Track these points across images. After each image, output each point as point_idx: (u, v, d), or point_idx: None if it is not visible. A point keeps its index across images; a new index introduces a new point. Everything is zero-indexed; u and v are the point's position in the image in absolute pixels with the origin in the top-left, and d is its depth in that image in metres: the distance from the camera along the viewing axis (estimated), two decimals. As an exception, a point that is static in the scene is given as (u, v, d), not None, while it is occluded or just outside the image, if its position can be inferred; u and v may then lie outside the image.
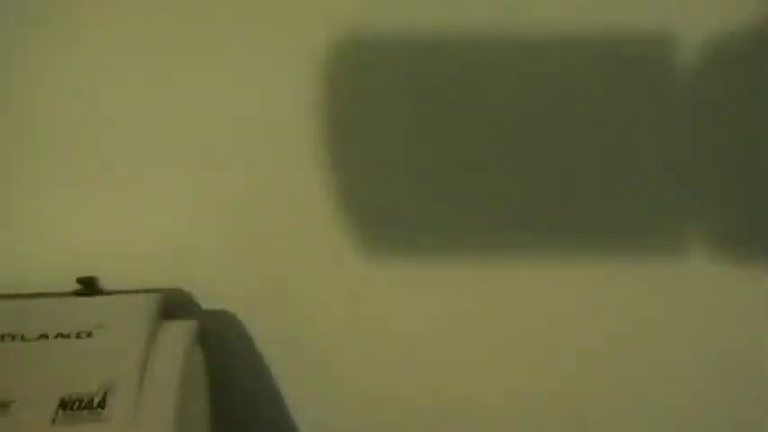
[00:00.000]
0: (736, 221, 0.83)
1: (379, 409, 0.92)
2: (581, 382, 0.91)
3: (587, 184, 0.81)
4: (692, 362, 0.89)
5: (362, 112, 0.77)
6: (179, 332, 0.76)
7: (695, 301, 0.86)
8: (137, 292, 0.81)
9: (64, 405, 0.66)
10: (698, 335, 0.88)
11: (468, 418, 0.93)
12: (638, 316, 0.87)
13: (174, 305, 0.81)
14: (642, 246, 0.83)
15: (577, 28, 0.73)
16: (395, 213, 0.82)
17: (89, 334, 0.74)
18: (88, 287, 0.81)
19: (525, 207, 0.82)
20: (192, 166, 0.78)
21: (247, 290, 0.84)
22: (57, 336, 0.73)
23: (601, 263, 0.83)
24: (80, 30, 0.72)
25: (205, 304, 0.85)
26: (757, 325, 0.87)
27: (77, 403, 0.66)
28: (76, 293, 0.81)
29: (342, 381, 0.90)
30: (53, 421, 0.65)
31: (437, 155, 0.79)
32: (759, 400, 0.91)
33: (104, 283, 0.82)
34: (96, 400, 0.67)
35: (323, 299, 0.86)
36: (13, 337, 0.73)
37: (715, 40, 0.73)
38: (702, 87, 0.75)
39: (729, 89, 0.76)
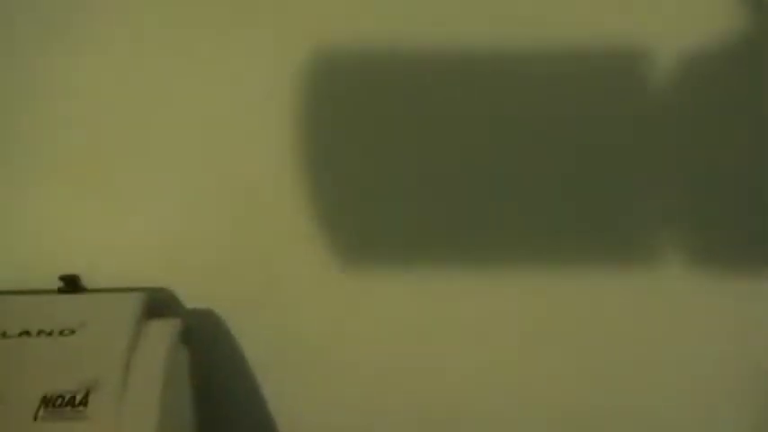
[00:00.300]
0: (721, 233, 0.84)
1: (364, 409, 0.92)
2: (576, 389, 0.91)
3: (577, 194, 0.81)
4: (689, 364, 0.90)
5: (353, 116, 0.77)
6: (162, 331, 0.76)
7: (679, 309, 0.87)
8: (120, 290, 0.81)
9: (46, 402, 0.66)
10: (693, 340, 0.88)
11: (452, 422, 0.93)
12: (628, 322, 0.88)
13: (158, 304, 0.80)
14: (624, 256, 0.84)
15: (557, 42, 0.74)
16: (379, 219, 0.82)
17: (72, 332, 0.73)
18: (71, 285, 0.81)
19: (509, 220, 0.82)
20: (180, 169, 0.78)
21: (232, 289, 0.84)
22: (39, 333, 0.73)
23: (587, 273, 0.84)
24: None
25: (189, 304, 0.84)
26: (746, 327, 0.88)
27: (60, 400, 0.66)
28: (59, 291, 0.80)
29: (327, 380, 0.90)
30: (35, 418, 0.65)
31: (415, 169, 0.80)
32: (745, 402, 0.92)
33: (88, 281, 0.82)
34: (79, 398, 0.67)
35: (308, 299, 0.86)
36: (-5, 334, 0.73)
37: (691, 54, 0.73)
38: (681, 101, 0.76)
39: (709, 103, 0.77)
